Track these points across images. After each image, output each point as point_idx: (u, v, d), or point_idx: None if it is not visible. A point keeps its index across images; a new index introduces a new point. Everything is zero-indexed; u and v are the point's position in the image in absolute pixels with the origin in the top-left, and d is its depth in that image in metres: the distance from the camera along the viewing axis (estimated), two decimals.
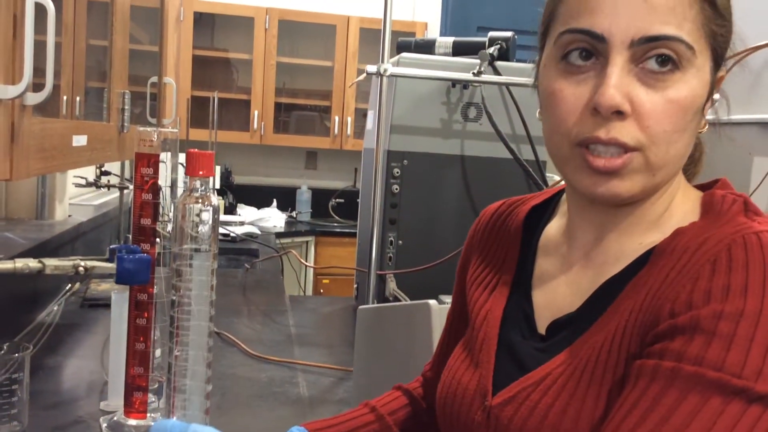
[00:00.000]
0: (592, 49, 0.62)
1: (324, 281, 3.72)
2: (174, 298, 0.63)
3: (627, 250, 0.67)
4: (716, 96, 0.67)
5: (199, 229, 0.62)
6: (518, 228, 0.79)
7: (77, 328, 1.72)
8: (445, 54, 1.92)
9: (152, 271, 0.89)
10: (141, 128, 1.36)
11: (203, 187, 0.62)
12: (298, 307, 2.14)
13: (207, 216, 0.63)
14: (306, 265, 2.99)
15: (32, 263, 0.62)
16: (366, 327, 1.35)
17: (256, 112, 3.97)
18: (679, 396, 0.54)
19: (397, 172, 1.80)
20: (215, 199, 0.67)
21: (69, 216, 2.26)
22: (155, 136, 1.03)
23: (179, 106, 3.29)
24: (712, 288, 0.56)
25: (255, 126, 3.96)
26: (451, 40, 1.94)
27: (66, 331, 1.69)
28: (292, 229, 3.64)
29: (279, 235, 3.43)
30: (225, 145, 3.88)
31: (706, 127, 0.68)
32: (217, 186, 3.52)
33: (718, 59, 0.64)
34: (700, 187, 0.71)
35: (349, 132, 4.11)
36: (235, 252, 2.92)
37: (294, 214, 4.07)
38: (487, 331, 0.74)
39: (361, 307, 1.35)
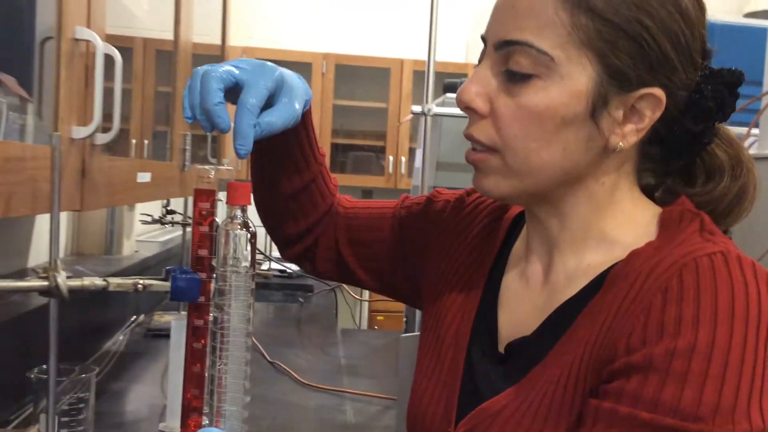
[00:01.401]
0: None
1: (378, 317, 3.77)
2: (216, 315, 0.70)
3: (577, 270, 0.66)
4: (648, 113, 0.62)
5: (239, 252, 0.70)
6: (500, 232, 0.78)
7: (140, 356, 1.82)
8: None
9: (207, 297, 0.97)
10: (200, 166, 1.47)
11: (242, 215, 0.70)
12: (349, 339, 2.20)
13: (245, 240, 0.70)
14: (356, 298, 3.06)
15: (98, 281, 0.70)
16: (408, 355, 1.40)
17: None
18: None
19: None
20: (253, 225, 0.74)
21: (136, 251, 2.39)
22: (212, 174, 1.12)
23: None
24: (664, 320, 0.56)
25: None
26: None
27: (130, 358, 1.79)
28: None
29: None
30: None
31: (621, 145, 0.62)
32: None
33: (621, 71, 0.60)
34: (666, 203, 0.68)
35: (403, 171, 4.19)
36: (292, 287, 3.01)
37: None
38: (457, 350, 0.73)
39: (402, 335, 1.40)
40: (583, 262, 0.66)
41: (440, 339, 0.76)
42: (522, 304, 0.70)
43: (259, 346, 1.95)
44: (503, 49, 0.62)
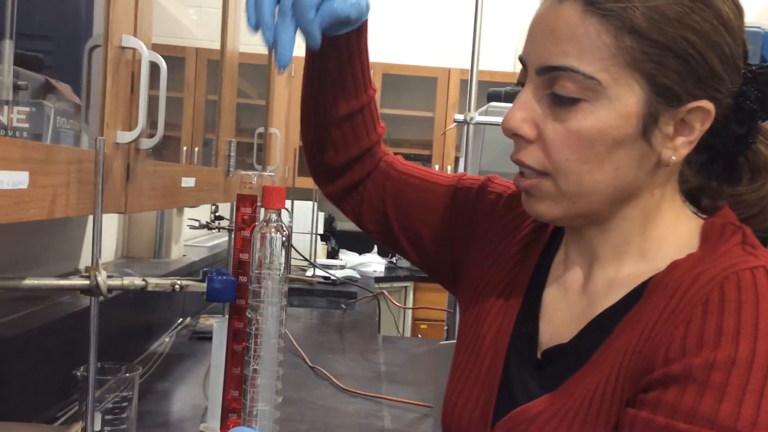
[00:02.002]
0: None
1: (422, 326, 3.76)
2: (250, 316, 0.72)
3: (617, 280, 0.66)
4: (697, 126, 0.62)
5: (273, 255, 0.71)
6: (543, 240, 0.78)
7: (185, 358, 1.86)
8: None
9: (248, 301, 0.99)
10: (243, 172, 1.49)
11: (277, 218, 0.71)
12: (390, 346, 2.20)
13: (280, 243, 0.71)
14: (398, 306, 3.06)
15: (137, 280, 0.72)
16: (446, 363, 1.40)
17: None
18: None
19: None
20: (287, 229, 0.75)
21: (183, 255, 2.45)
22: (254, 179, 1.15)
23: (288, 156, 3.48)
24: (704, 332, 0.56)
25: None
26: None
27: (175, 360, 1.83)
28: (391, 274, 3.73)
29: (378, 279, 3.53)
30: None
31: (673, 159, 0.63)
32: (321, 232, 3.68)
33: (669, 88, 0.60)
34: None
35: None
36: (335, 294, 3.04)
37: (394, 259, 4.17)
38: (496, 354, 0.73)
39: (441, 342, 1.40)
40: (623, 273, 0.67)
41: (479, 342, 0.76)
42: (560, 312, 0.71)
43: (301, 351, 1.97)
44: (546, 74, 0.62)
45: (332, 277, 3.11)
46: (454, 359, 0.80)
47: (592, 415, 0.60)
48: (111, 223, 2.06)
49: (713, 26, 0.60)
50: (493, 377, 0.72)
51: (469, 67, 1.82)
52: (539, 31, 0.63)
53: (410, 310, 3.73)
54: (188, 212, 2.52)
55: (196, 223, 2.41)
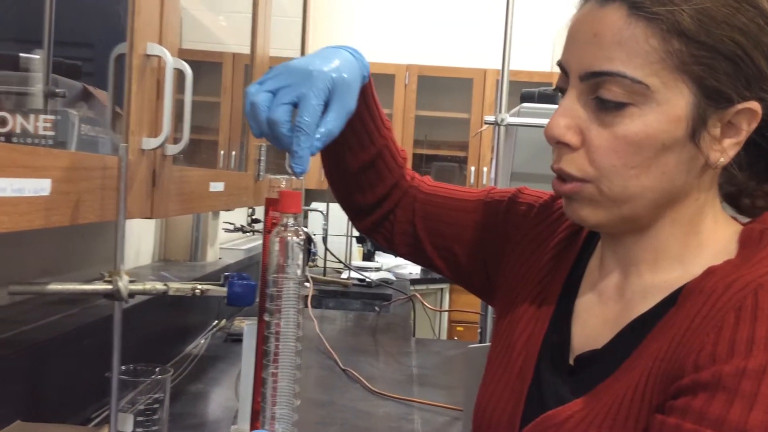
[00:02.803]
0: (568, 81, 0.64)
1: (458, 328, 3.75)
2: (268, 319, 0.72)
3: (653, 286, 0.66)
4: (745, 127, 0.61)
5: (290, 258, 0.71)
6: (577, 245, 0.77)
7: (220, 360, 1.89)
8: None
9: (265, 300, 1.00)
10: (272, 176, 1.50)
11: (294, 222, 0.72)
12: (422, 349, 2.20)
13: (297, 247, 0.72)
14: (431, 309, 3.05)
15: (159, 285, 0.74)
16: (476, 366, 1.39)
17: None
18: None
19: None
20: (303, 233, 0.76)
21: (219, 258, 2.48)
22: (283, 183, 1.16)
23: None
24: (736, 339, 0.55)
25: None
26: None
27: (209, 362, 1.86)
28: (427, 276, 3.72)
29: (414, 281, 3.52)
30: None
31: (721, 161, 0.62)
32: (357, 234, 3.69)
33: (718, 90, 0.59)
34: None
35: (484, 181, 4.16)
36: (370, 296, 3.04)
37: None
38: (527, 359, 0.73)
39: (470, 345, 1.39)
40: (659, 279, 0.66)
41: (511, 346, 0.76)
42: (594, 318, 0.70)
43: (333, 354, 1.98)
44: (590, 80, 0.61)
45: (367, 280, 3.12)
46: (487, 364, 0.80)
47: (620, 420, 0.60)
48: (148, 227, 2.09)
49: (759, 26, 0.59)
50: (522, 381, 0.72)
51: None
52: (581, 36, 0.62)
53: (446, 313, 3.72)
54: (224, 216, 2.56)
55: (231, 227, 2.44)
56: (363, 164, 0.85)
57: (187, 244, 2.30)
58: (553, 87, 0.67)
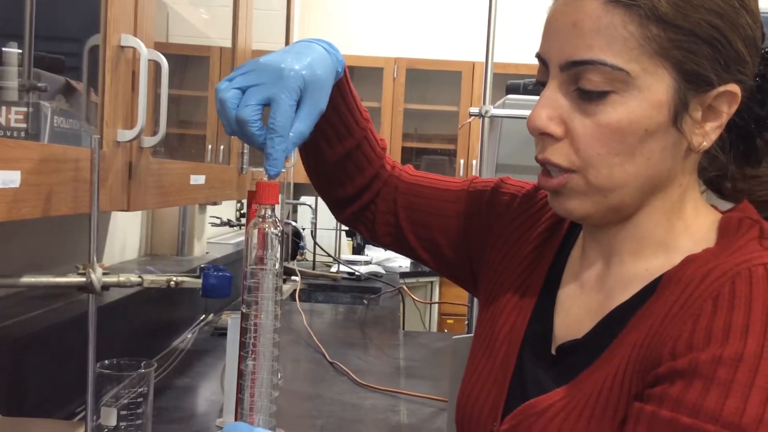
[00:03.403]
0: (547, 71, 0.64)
1: (448, 321, 3.75)
2: (245, 311, 0.72)
3: (634, 275, 0.66)
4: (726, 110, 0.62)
5: (268, 250, 0.71)
6: (559, 236, 0.77)
7: (206, 354, 1.88)
8: None
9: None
10: (254, 169, 1.50)
11: (271, 213, 0.71)
12: (410, 342, 2.20)
13: (275, 239, 0.71)
14: (419, 301, 3.06)
15: (133, 277, 0.73)
16: (461, 357, 1.39)
17: None
18: None
19: None
20: (280, 224, 0.75)
21: (207, 253, 2.47)
22: (266, 176, 1.16)
23: None
24: (713, 327, 0.55)
25: None
26: None
27: (196, 356, 1.85)
28: (416, 269, 3.72)
29: (403, 275, 3.53)
30: None
31: (703, 144, 0.62)
32: (346, 228, 3.68)
33: (698, 74, 0.59)
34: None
35: (474, 173, 4.17)
36: (359, 290, 3.04)
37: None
38: (509, 349, 0.73)
39: (455, 336, 1.39)
40: (640, 268, 0.66)
41: (493, 337, 0.76)
42: (576, 308, 0.70)
43: (321, 347, 1.98)
44: (571, 69, 0.61)
45: (356, 273, 3.12)
46: (470, 355, 0.80)
47: (599, 408, 0.60)
48: (134, 221, 2.09)
49: (735, 9, 0.60)
50: (505, 372, 0.72)
51: (495, 61, 1.81)
52: (560, 26, 0.62)
53: (436, 305, 3.72)
54: (211, 210, 2.55)
55: (218, 221, 2.43)
56: (341, 156, 0.84)
57: (174, 238, 2.29)
58: (536, 81, 0.67)
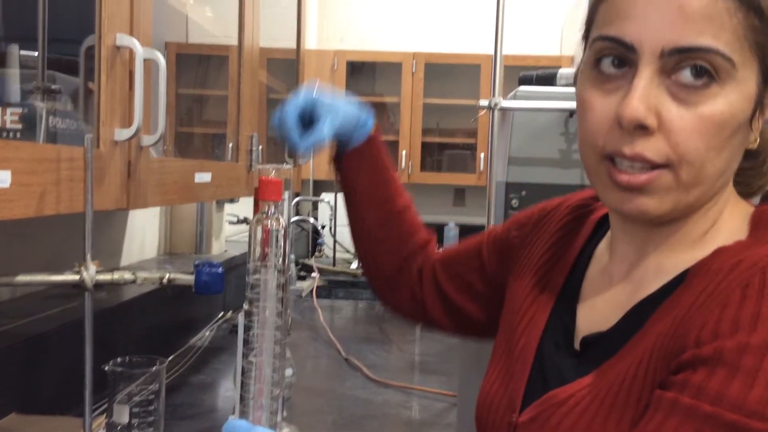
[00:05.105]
0: (624, 58, 0.59)
1: None
2: (247, 308, 0.72)
3: (666, 267, 0.64)
4: None
5: (271, 246, 0.71)
6: (584, 232, 0.76)
7: (223, 351, 1.90)
8: (567, 85, 1.93)
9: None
10: (261, 166, 1.50)
11: (274, 210, 0.71)
12: (427, 337, 2.19)
13: (278, 235, 0.71)
14: None
15: (126, 275, 0.74)
16: (471, 353, 1.39)
17: (403, 152, 4.12)
18: None
19: (516, 203, 1.82)
20: (284, 220, 0.75)
21: (225, 251, 2.49)
22: (273, 173, 1.16)
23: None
24: (740, 316, 0.53)
25: (403, 165, 4.12)
26: (572, 71, 1.95)
27: (212, 353, 1.87)
28: None
29: None
30: None
31: (757, 141, 0.62)
32: None
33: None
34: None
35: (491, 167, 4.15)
36: None
37: (441, 250, 4.14)
38: (528, 341, 0.72)
39: None
40: (671, 260, 0.64)
41: (513, 330, 0.76)
42: (602, 302, 0.69)
43: (336, 343, 1.98)
44: (674, 56, 0.57)
45: None
46: (493, 348, 0.81)
47: (622, 397, 0.59)
48: (153, 220, 2.11)
49: None
50: (523, 363, 0.72)
51: (512, 53, 1.80)
52: (662, 8, 0.57)
53: None
54: (229, 208, 2.57)
55: (235, 219, 2.44)
56: (388, 216, 0.94)
57: (192, 236, 2.31)
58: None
